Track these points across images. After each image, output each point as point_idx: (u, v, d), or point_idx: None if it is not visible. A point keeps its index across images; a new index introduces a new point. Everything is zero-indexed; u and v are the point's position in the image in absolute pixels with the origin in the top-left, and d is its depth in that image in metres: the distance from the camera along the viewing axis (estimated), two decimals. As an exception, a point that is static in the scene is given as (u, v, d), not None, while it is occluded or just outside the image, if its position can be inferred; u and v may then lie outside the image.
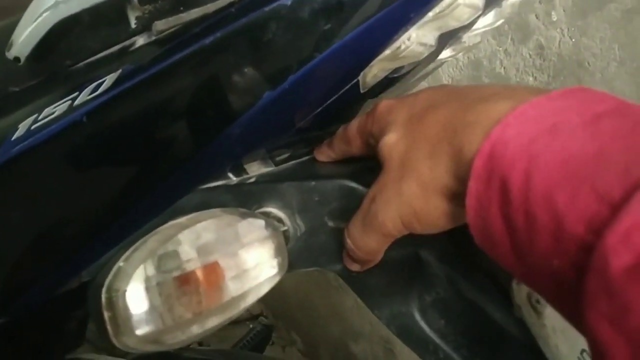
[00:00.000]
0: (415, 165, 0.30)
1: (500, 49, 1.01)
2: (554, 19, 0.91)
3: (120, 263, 0.26)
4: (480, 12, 0.36)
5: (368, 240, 0.33)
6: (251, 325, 1.00)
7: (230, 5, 0.34)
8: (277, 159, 0.43)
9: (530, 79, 0.98)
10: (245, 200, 0.39)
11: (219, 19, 0.34)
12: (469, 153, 0.27)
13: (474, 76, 1.06)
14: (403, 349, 1.50)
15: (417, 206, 0.30)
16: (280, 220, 0.37)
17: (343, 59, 0.34)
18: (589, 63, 0.88)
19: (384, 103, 0.36)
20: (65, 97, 0.37)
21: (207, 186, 0.40)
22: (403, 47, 0.35)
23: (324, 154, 0.42)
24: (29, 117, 0.38)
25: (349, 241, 0.34)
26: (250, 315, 1.78)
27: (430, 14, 0.35)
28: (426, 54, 0.37)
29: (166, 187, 0.39)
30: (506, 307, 0.34)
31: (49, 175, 0.38)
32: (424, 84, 1.06)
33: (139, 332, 0.25)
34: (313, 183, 0.38)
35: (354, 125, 0.38)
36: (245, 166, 0.42)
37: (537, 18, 0.94)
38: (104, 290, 0.26)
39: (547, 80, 0.95)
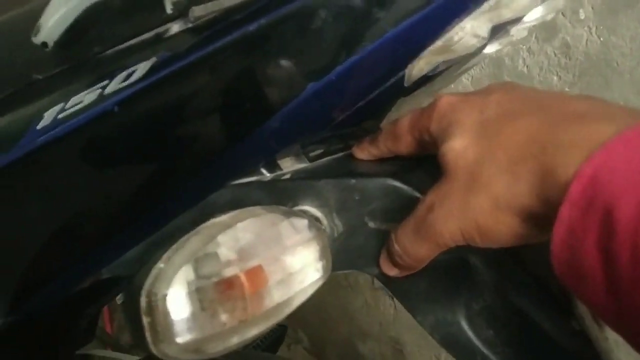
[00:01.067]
0: (488, 179, 0.28)
1: (524, 47, 0.99)
2: (582, 17, 0.89)
3: (161, 265, 0.24)
4: (538, 3, 0.34)
5: (419, 248, 0.31)
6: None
7: (274, -9, 0.32)
8: (311, 154, 0.41)
9: (555, 78, 0.95)
10: (279, 198, 0.37)
11: (262, 6, 0.32)
12: (563, 176, 0.25)
13: (495, 74, 1.04)
14: (413, 349, 1.49)
15: (484, 222, 0.28)
16: (317, 219, 0.35)
17: (394, 49, 0.32)
18: (617, 63, 0.86)
19: (446, 99, 0.33)
20: (94, 85, 0.35)
21: (240, 182, 0.38)
22: (456, 38, 0.33)
23: (365, 151, 0.40)
24: (54, 105, 0.36)
25: (397, 247, 0.32)
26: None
27: (486, 4, 0.33)
28: (478, 47, 0.35)
29: (197, 181, 0.37)
30: (558, 318, 0.32)
31: (75, 167, 0.36)
32: (461, 81, 1.03)
33: (180, 340, 0.24)
34: (353, 181, 0.36)
35: (405, 121, 0.36)
36: (279, 162, 0.40)
37: (563, 16, 0.91)
38: (143, 293, 0.24)
39: (572, 79, 0.93)
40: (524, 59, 1.00)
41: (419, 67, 0.37)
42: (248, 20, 0.32)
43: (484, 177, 0.28)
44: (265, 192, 0.37)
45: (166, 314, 0.23)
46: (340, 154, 0.42)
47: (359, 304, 1.59)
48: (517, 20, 0.38)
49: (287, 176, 0.38)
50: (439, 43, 0.34)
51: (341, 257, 0.36)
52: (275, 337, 0.87)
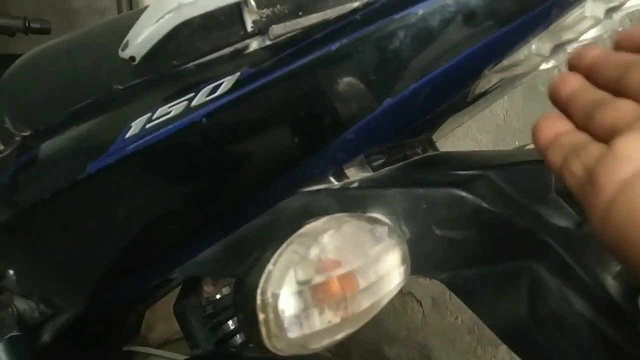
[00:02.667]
0: None
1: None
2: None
3: (270, 266, 0.27)
4: (597, 24, 0.36)
5: None
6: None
7: (354, 12, 0.34)
8: (374, 164, 0.43)
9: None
10: (348, 205, 0.39)
11: (342, 26, 0.34)
12: None
13: (530, 84, 1.05)
14: (441, 355, 1.49)
15: None
16: (393, 229, 0.37)
17: (466, 69, 0.34)
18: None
19: None
20: (180, 98, 0.37)
21: (309, 189, 0.41)
22: (522, 57, 0.35)
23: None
24: (140, 115, 0.38)
25: None
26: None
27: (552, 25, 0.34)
28: (540, 66, 0.37)
29: (270, 189, 0.40)
30: (624, 325, 0.34)
31: (160, 174, 0.39)
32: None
33: (292, 335, 0.26)
34: (421, 190, 0.38)
35: None
36: (345, 171, 0.42)
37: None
38: (258, 292, 0.26)
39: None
40: (559, 69, 1.00)
41: (482, 84, 0.39)
42: (329, 39, 0.34)
43: None
44: (335, 199, 0.39)
45: (280, 311, 0.26)
46: (401, 164, 0.44)
47: (386, 309, 1.58)
48: (575, 39, 0.39)
49: (355, 184, 0.40)
50: (504, 62, 0.36)
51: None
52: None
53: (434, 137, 0.53)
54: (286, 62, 0.35)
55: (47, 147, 0.43)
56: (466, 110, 0.47)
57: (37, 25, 1.23)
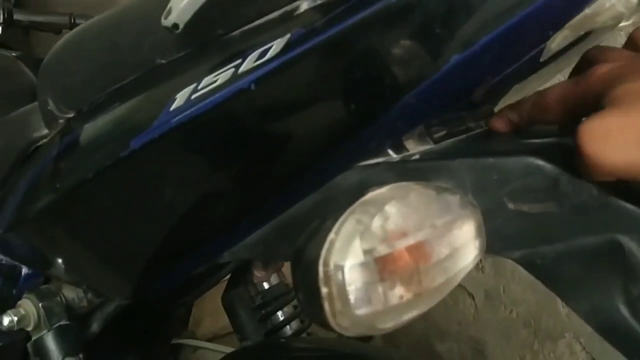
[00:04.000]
0: None
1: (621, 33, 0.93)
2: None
3: (332, 235, 0.24)
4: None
5: None
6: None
7: (415, -40, 0.31)
8: (435, 136, 0.40)
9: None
10: (410, 179, 0.35)
11: (403, -24, 0.31)
12: None
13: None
14: (495, 349, 1.44)
15: None
16: (468, 201, 0.33)
17: (542, 18, 0.30)
18: None
19: (605, 65, 0.32)
20: (226, 65, 0.35)
21: (366, 163, 0.38)
22: (608, 5, 0.31)
23: (503, 119, 0.39)
24: (186, 87, 0.36)
25: None
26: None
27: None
28: (626, 16, 0.33)
29: (325, 163, 0.37)
30: None
31: (208, 147, 0.36)
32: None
33: (359, 311, 0.23)
34: (491, 160, 0.34)
35: (556, 91, 0.35)
36: (405, 143, 0.38)
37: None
38: (320, 263, 0.23)
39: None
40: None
41: (558, 40, 0.35)
42: (389, -8, 0.31)
43: None
44: (395, 172, 0.36)
45: (344, 284, 0.23)
46: (463, 136, 0.41)
47: (437, 303, 1.56)
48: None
49: (416, 157, 0.37)
50: (587, 11, 0.32)
51: (477, 240, 0.35)
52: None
53: (497, 109, 0.49)
54: (341, 19, 0.31)
55: (90, 127, 0.42)
56: (533, 77, 0.43)
57: (83, 22, 1.24)
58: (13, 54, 0.96)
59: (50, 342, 0.54)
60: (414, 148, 0.39)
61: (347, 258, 0.23)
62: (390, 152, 0.38)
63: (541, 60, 0.36)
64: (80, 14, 1.27)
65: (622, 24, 0.40)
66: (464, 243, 0.26)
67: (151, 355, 0.80)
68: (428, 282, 0.24)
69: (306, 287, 0.24)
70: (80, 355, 0.54)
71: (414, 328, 1.70)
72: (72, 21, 1.22)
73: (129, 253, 0.43)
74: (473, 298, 1.48)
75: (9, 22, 1.15)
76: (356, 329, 0.24)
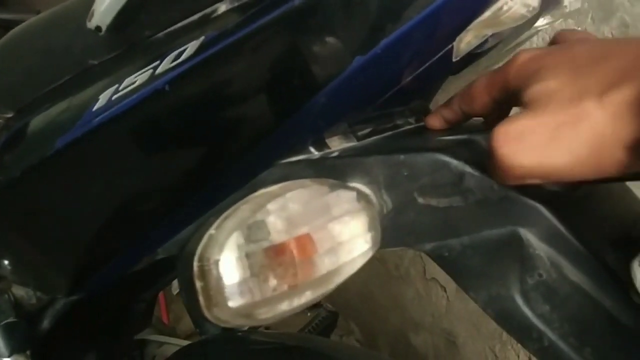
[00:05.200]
0: (589, 114, 0.28)
1: (579, 28, 0.95)
2: (641, -6, 0.85)
3: (212, 231, 0.25)
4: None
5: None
6: (309, 314, 0.99)
7: (319, -36, 0.32)
8: (359, 133, 0.41)
9: (613, 59, 0.91)
10: (328, 175, 0.37)
11: (307, -21, 0.32)
12: None
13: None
14: (466, 341, 1.46)
15: (580, 153, 0.28)
16: (366, 196, 0.34)
17: (442, 20, 0.31)
18: (680, 40, 0.82)
19: (526, 53, 0.33)
20: (146, 67, 0.36)
21: (288, 160, 0.39)
22: (505, 8, 0.32)
23: (437, 117, 0.40)
24: (109, 87, 0.37)
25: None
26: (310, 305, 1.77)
27: (537, -30, 0.32)
28: (528, 17, 0.34)
29: (246, 160, 0.38)
30: (617, 292, 0.31)
31: (129, 147, 0.37)
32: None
33: (232, 304, 0.24)
34: (402, 157, 0.35)
35: (481, 81, 0.35)
36: (327, 140, 0.40)
37: (621, -7, 0.88)
38: (196, 258, 0.24)
39: (632, 60, 0.89)
40: (579, 40, 0.96)
41: (467, 40, 0.36)
42: (293, -5, 0.32)
43: (584, 113, 0.28)
44: (314, 169, 0.37)
45: (218, 278, 0.24)
46: (389, 133, 0.42)
47: (411, 295, 1.58)
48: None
49: (335, 154, 0.38)
50: (487, 14, 0.33)
51: (391, 233, 0.36)
52: (328, 324, 0.87)
53: (432, 106, 0.50)
54: (249, 21, 0.33)
55: (24, 126, 0.42)
56: (464, 72, 0.44)
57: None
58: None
59: (-2, 339, 0.54)
60: (337, 145, 0.40)
61: (223, 252, 0.24)
62: (312, 149, 0.39)
63: (454, 59, 0.37)
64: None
65: (538, 24, 0.41)
66: (353, 236, 0.27)
67: (113, 351, 0.81)
68: (306, 274, 0.25)
69: (184, 281, 0.25)
70: (28, 352, 0.55)
71: (390, 320, 1.72)
72: (39, 18, 1.22)
73: (63, 249, 0.43)
74: (445, 290, 1.50)
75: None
76: (235, 320, 0.25)
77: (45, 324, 0.59)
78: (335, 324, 0.91)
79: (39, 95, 0.43)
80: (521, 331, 0.32)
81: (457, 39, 0.34)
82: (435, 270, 1.48)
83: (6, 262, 0.50)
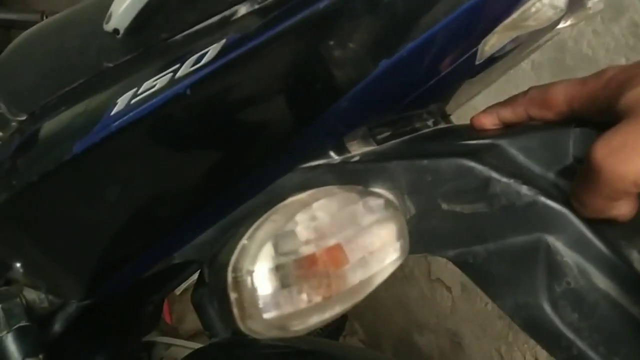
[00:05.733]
0: None
1: (589, 28, 0.95)
2: (652, -6, 0.85)
3: (245, 241, 0.24)
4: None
5: (594, 199, 0.31)
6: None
7: (344, -33, 0.31)
8: (379, 137, 0.41)
9: (623, 59, 0.91)
10: (349, 180, 0.36)
11: (332, -18, 0.31)
12: None
13: (558, 58, 1.01)
14: (471, 342, 1.46)
15: None
16: (392, 203, 0.34)
17: (468, 23, 0.31)
18: (692, 41, 0.82)
19: (612, 68, 0.33)
20: (165, 70, 0.35)
21: (308, 165, 0.38)
22: (533, 10, 0.32)
23: (490, 117, 0.39)
24: (127, 91, 0.36)
25: (575, 203, 0.32)
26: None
27: (566, -28, 0.31)
28: (554, 19, 0.34)
29: (266, 165, 0.37)
30: (648, 301, 0.31)
31: (148, 151, 0.37)
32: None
33: (267, 316, 0.23)
34: (425, 162, 0.35)
35: (561, 91, 0.35)
36: (347, 145, 0.39)
37: (631, -6, 0.87)
38: (229, 269, 0.24)
39: (642, 60, 0.88)
40: (588, 41, 0.96)
41: (491, 42, 0.35)
42: (318, -2, 0.31)
43: None
44: (335, 174, 0.37)
45: (253, 289, 0.23)
46: (408, 137, 0.41)
47: (415, 296, 1.57)
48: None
49: (356, 159, 0.38)
50: (514, 16, 0.32)
51: (414, 240, 0.35)
52: (336, 326, 0.87)
53: (448, 109, 0.50)
54: (272, 24, 0.32)
55: (39, 130, 0.42)
56: (480, 76, 0.44)
57: (55, 19, 1.23)
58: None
59: (10, 344, 0.54)
60: (356, 150, 0.39)
61: (256, 263, 0.24)
62: (332, 154, 0.39)
63: (477, 62, 0.37)
64: (53, 10, 1.27)
65: (560, 26, 0.41)
66: (383, 245, 0.27)
67: (122, 353, 0.80)
68: (339, 285, 0.25)
69: (217, 292, 0.25)
70: (41, 356, 0.55)
71: (394, 321, 1.72)
72: (44, 19, 1.22)
73: (79, 254, 0.43)
74: (450, 291, 1.49)
75: (-18, 20, 1.15)
76: (268, 332, 0.24)
77: (57, 327, 0.59)
78: (344, 326, 0.91)
79: (53, 98, 0.42)
80: (550, 340, 0.32)
81: (482, 42, 0.34)
82: (440, 270, 1.47)
83: (19, 265, 0.50)
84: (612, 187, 0.29)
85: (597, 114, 0.33)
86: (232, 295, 0.23)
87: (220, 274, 0.24)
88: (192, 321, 1.60)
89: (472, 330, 1.43)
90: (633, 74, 0.31)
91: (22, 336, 0.54)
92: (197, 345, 0.87)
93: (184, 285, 1.31)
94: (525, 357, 1.31)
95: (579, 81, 0.35)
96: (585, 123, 0.34)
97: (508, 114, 0.39)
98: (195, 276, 0.78)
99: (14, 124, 0.46)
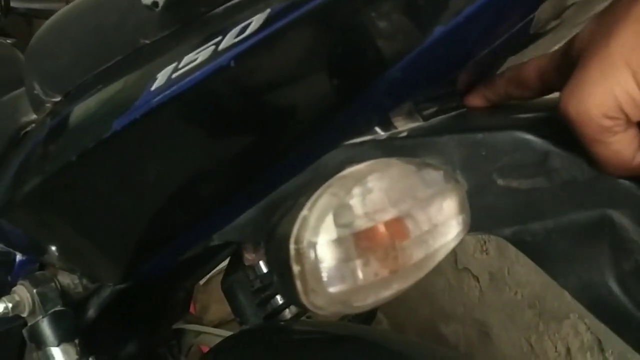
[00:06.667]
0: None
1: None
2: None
3: (305, 212, 0.23)
4: None
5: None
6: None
7: None
8: (425, 113, 0.39)
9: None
10: (397, 156, 0.35)
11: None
12: None
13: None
14: (500, 332, 1.44)
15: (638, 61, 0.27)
16: (452, 176, 0.32)
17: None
18: None
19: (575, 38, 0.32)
20: (207, 43, 0.34)
21: (353, 141, 0.37)
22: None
23: (480, 96, 0.39)
24: (167, 66, 0.35)
25: None
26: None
27: None
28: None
29: (310, 142, 0.36)
30: None
31: (190, 127, 0.36)
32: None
33: (332, 289, 0.22)
34: (480, 135, 0.33)
35: (534, 66, 0.35)
36: (393, 120, 0.38)
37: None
38: (292, 240, 0.22)
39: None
40: None
41: (549, 9, 0.34)
42: (370, -38, 0.30)
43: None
44: (382, 150, 0.35)
45: (317, 262, 0.22)
46: (456, 112, 0.40)
47: (441, 286, 1.55)
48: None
49: (404, 134, 0.36)
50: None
51: (467, 218, 0.34)
52: (368, 312, 0.86)
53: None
54: (320, -9, 0.30)
55: (75, 110, 0.41)
56: (528, 49, 0.42)
57: (79, 8, 1.23)
58: (8, 41, 0.95)
59: (46, 328, 0.53)
60: (403, 125, 0.38)
61: (319, 235, 0.22)
62: (378, 129, 0.37)
63: (531, 31, 0.35)
64: (77, -1, 1.26)
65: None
66: (445, 219, 0.26)
67: (153, 340, 0.80)
68: (405, 258, 0.23)
69: (278, 265, 0.23)
70: (76, 341, 0.54)
71: (420, 311, 1.70)
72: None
73: (117, 236, 0.42)
74: (478, 280, 1.47)
75: (6, 9, 1.14)
76: (331, 307, 0.23)
77: (91, 312, 0.59)
78: (376, 312, 0.90)
79: (89, 77, 0.42)
80: (618, 320, 0.30)
81: (540, 8, 0.32)
82: (467, 259, 1.45)
83: (54, 248, 0.49)
84: (588, 129, 0.29)
85: (563, 82, 0.32)
86: (295, 268, 0.22)
87: (282, 247, 0.23)
88: (216, 311, 1.60)
89: (500, 320, 1.41)
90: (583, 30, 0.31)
91: (57, 321, 0.54)
92: (227, 333, 0.87)
93: (208, 275, 1.31)
94: (556, 347, 1.29)
95: (548, 55, 0.35)
96: None
97: (491, 95, 0.39)
98: (222, 265, 0.78)
99: (48, 105, 0.46)
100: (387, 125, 0.37)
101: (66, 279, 0.57)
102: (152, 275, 0.50)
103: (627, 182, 0.31)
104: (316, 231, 0.22)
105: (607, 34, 0.28)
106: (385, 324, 1.92)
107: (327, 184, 0.25)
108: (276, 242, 0.24)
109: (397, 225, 0.24)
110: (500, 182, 0.33)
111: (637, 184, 0.31)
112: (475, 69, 0.39)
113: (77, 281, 0.57)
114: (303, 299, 0.23)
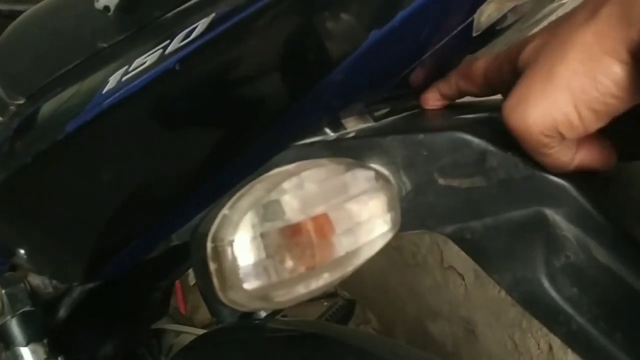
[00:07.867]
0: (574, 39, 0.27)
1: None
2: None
3: (225, 211, 0.24)
4: None
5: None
6: (325, 303, 0.98)
7: None
8: (376, 114, 0.40)
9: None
10: (344, 156, 0.36)
11: (320, -49, 0.30)
12: None
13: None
14: (485, 330, 1.45)
15: (576, 83, 0.27)
16: (384, 176, 0.33)
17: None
18: None
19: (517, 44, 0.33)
20: (156, 47, 0.35)
21: (303, 142, 0.38)
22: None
23: (434, 90, 0.39)
24: (119, 69, 0.36)
25: None
26: (325, 294, 1.77)
27: None
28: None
29: (261, 142, 0.37)
30: (650, 275, 0.30)
31: (141, 129, 0.36)
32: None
33: (247, 286, 0.23)
34: (421, 136, 0.34)
35: (482, 63, 0.36)
36: (343, 121, 0.38)
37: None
38: (209, 239, 0.23)
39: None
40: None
41: (488, 12, 0.34)
42: (307, -33, 0.31)
43: (570, 41, 0.28)
44: (330, 151, 0.36)
45: (233, 259, 0.23)
46: (406, 113, 0.41)
47: (428, 284, 1.56)
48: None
49: (352, 135, 0.37)
50: (510, -17, 0.31)
51: (410, 216, 0.35)
52: (345, 312, 0.86)
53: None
54: (261, -4, 0.31)
55: (35, 112, 0.42)
56: (482, 52, 0.43)
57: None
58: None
59: (14, 328, 0.54)
60: (353, 126, 0.39)
61: (237, 233, 0.23)
62: (328, 130, 0.38)
63: (474, 34, 0.36)
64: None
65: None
66: (371, 217, 0.26)
67: (130, 340, 0.81)
68: (324, 255, 0.24)
69: (198, 263, 0.24)
70: (45, 341, 0.55)
71: (407, 309, 1.71)
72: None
73: (77, 236, 0.43)
74: (463, 278, 1.48)
75: (-12, 12, 1.15)
76: (250, 303, 0.24)
77: (62, 312, 0.59)
78: (353, 312, 0.90)
79: (50, 80, 0.42)
80: (548, 315, 0.31)
81: (478, 11, 0.33)
82: (453, 258, 1.46)
83: (21, 250, 0.50)
84: (527, 142, 0.30)
85: (506, 83, 0.33)
86: (212, 266, 0.23)
87: (201, 245, 0.24)
88: (206, 311, 1.61)
89: (485, 318, 1.42)
90: (530, 37, 0.32)
91: (26, 321, 0.55)
92: (203, 332, 0.87)
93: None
94: (539, 344, 1.30)
95: (494, 54, 0.35)
96: None
97: (445, 89, 0.39)
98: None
99: (12, 107, 0.46)
100: (336, 126, 0.38)
101: (36, 280, 0.57)
102: (119, 275, 0.50)
103: (560, 181, 0.32)
104: (235, 229, 0.23)
105: (552, 55, 0.29)
106: (374, 322, 1.93)
107: (250, 184, 0.25)
108: (196, 240, 0.25)
109: (322, 221, 0.25)
110: (441, 181, 0.34)
111: (570, 182, 0.32)
112: (428, 69, 0.40)
113: (47, 282, 0.57)
114: (221, 295, 0.23)
